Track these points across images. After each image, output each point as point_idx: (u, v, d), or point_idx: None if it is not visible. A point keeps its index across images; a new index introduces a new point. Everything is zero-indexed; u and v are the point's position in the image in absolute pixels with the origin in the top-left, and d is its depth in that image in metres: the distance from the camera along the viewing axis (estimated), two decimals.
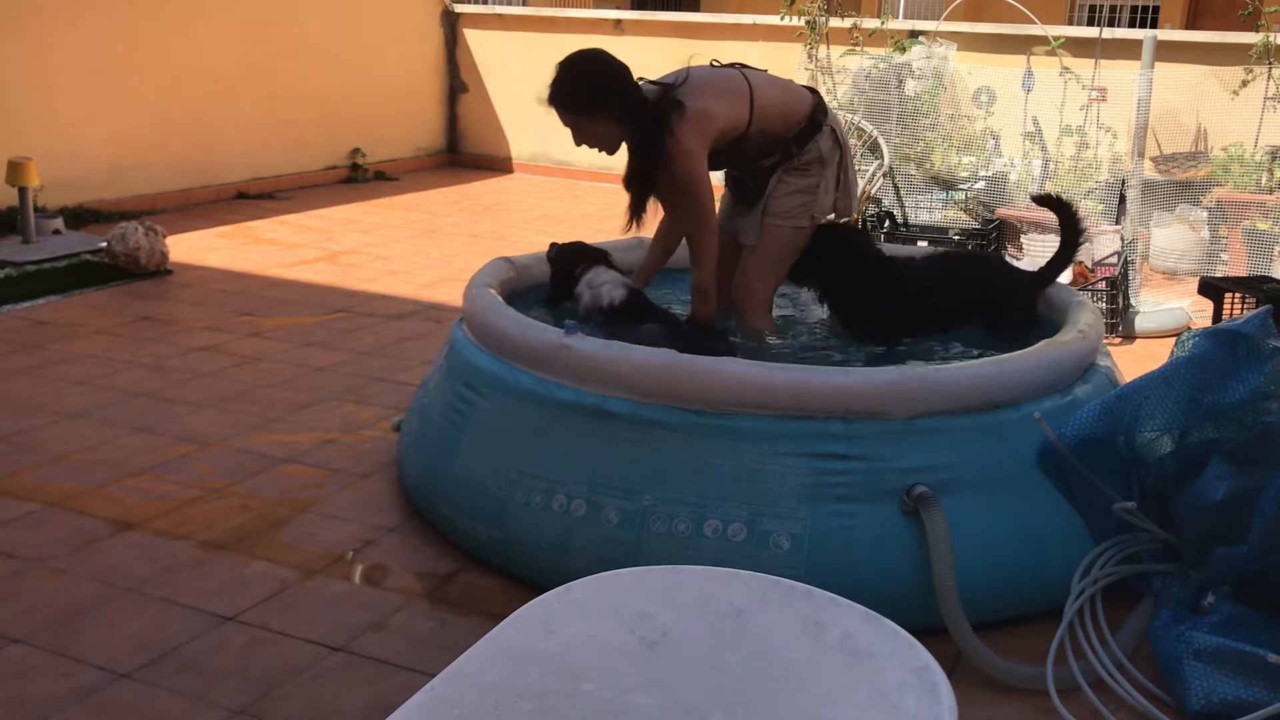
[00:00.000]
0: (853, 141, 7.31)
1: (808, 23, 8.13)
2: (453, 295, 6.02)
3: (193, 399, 4.46)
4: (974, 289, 3.89)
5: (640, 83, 3.63)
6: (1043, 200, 4.13)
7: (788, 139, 3.69)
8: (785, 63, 8.55)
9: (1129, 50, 7.19)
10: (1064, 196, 4.17)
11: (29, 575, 3.09)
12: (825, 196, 3.77)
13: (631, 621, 1.61)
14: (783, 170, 3.72)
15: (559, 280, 3.90)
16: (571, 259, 3.89)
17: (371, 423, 4.24)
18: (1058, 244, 4.00)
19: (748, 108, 3.62)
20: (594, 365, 3.07)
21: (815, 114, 3.73)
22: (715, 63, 3.81)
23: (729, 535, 2.84)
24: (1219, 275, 6.12)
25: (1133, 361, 4.92)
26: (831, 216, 3.93)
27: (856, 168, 7.19)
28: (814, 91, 3.84)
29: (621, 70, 3.61)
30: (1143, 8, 16.83)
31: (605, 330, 3.57)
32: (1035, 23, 7.96)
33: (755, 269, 3.79)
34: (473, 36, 10.88)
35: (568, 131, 3.62)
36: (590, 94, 3.53)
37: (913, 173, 7.22)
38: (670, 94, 3.59)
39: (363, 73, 10.00)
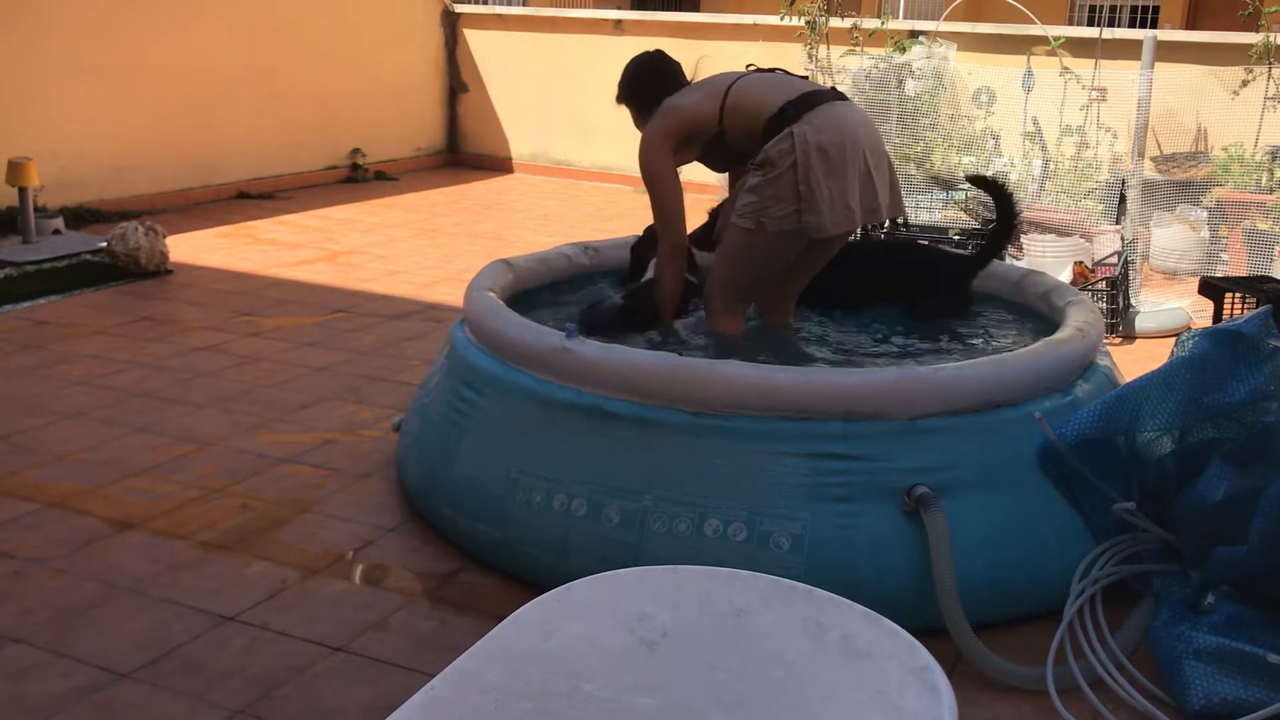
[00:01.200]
0: None
1: (808, 23, 8.12)
2: (453, 295, 6.02)
3: (193, 399, 4.46)
4: (892, 266, 4.15)
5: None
6: (977, 181, 4.25)
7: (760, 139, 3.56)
8: (785, 63, 8.51)
9: (1129, 50, 7.19)
10: (998, 178, 4.25)
11: (29, 575, 3.09)
12: (776, 205, 3.46)
13: (631, 621, 1.61)
14: (750, 169, 3.59)
15: (634, 266, 4.17)
16: (646, 245, 4.13)
17: (371, 423, 4.24)
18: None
19: (718, 104, 3.60)
20: (595, 368, 3.07)
21: (781, 114, 3.49)
22: (750, 66, 3.83)
23: (729, 535, 2.84)
24: (1219, 275, 6.12)
25: (1133, 362, 4.92)
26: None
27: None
28: (813, 94, 3.56)
29: (652, 70, 3.84)
30: (1143, 8, 16.83)
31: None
32: (1035, 23, 7.96)
33: (714, 269, 3.75)
34: (473, 36, 10.88)
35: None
36: (624, 88, 3.89)
37: (913, 173, 7.21)
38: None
39: (363, 73, 10.00)
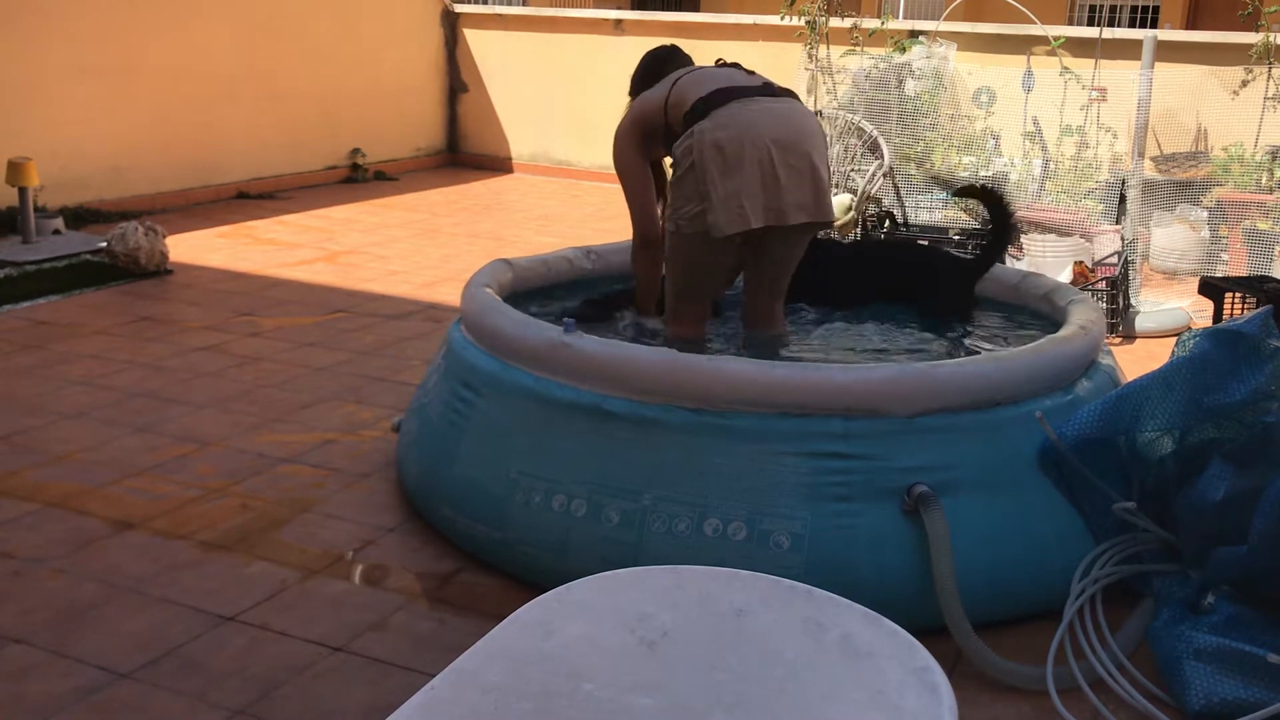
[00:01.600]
0: (853, 141, 7.32)
1: (808, 23, 8.12)
2: (453, 295, 6.02)
3: (193, 399, 4.46)
4: (898, 268, 4.16)
5: None
6: (966, 192, 4.27)
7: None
8: (785, 63, 8.54)
9: (1129, 50, 7.19)
10: (988, 184, 4.28)
11: (29, 575, 3.09)
12: (686, 205, 3.46)
13: (631, 621, 1.61)
14: None
15: None
16: None
17: (371, 423, 4.24)
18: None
19: (665, 98, 3.61)
20: (593, 364, 3.07)
21: (693, 111, 3.45)
22: (719, 61, 3.80)
23: (729, 535, 2.84)
24: (1219, 275, 6.12)
25: (1133, 361, 4.92)
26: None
27: (851, 169, 7.22)
28: (730, 89, 3.48)
29: (649, 63, 3.89)
30: (1143, 8, 16.83)
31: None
32: (1035, 23, 7.96)
33: None
34: (473, 36, 10.89)
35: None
36: (632, 81, 3.94)
37: (913, 173, 7.21)
38: None
39: (363, 73, 10.00)
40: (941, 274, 4.14)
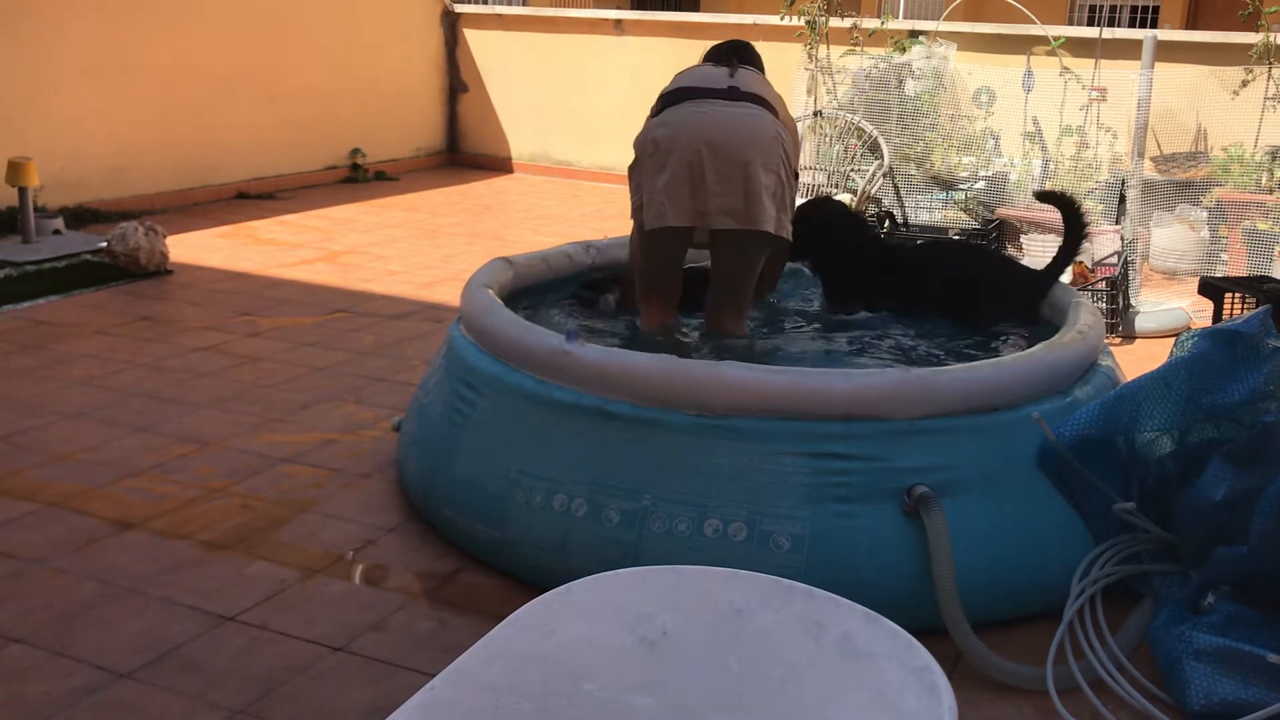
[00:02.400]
0: (852, 141, 7.33)
1: (808, 23, 8.12)
2: (453, 295, 6.01)
3: (193, 399, 4.46)
4: (970, 278, 4.04)
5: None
6: (1045, 197, 4.23)
7: None
8: (785, 63, 8.53)
9: (1129, 50, 7.18)
10: (1066, 192, 4.24)
11: (29, 575, 3.09)
12: (633, 197, 3.61)
13: (631, 621, 1.61)
14: None
15: None
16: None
17: (371, 423, 4.24)
18: (1061, 241, 4.09)
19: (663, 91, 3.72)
20: (594, 372, 3.07)
21: (655, 108, 3.60)
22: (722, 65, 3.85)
23: (729, 535, 2.84)
24: (1219, 275, 6.12)
25: (1133, 361, 4.92)
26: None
27: (851, 169, 7.22)
28: (689, 89, 3.56)
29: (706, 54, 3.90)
30: (1143, 8, 16.82)
31: None
32: (1035, 23, 7.96)
33: None
34: (473, 36, 10.88)
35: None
36: None
37: (913, 173, 7.22)
38: None
39: (363, 72, 10.00)
40: (1018, 285, 4.06)
